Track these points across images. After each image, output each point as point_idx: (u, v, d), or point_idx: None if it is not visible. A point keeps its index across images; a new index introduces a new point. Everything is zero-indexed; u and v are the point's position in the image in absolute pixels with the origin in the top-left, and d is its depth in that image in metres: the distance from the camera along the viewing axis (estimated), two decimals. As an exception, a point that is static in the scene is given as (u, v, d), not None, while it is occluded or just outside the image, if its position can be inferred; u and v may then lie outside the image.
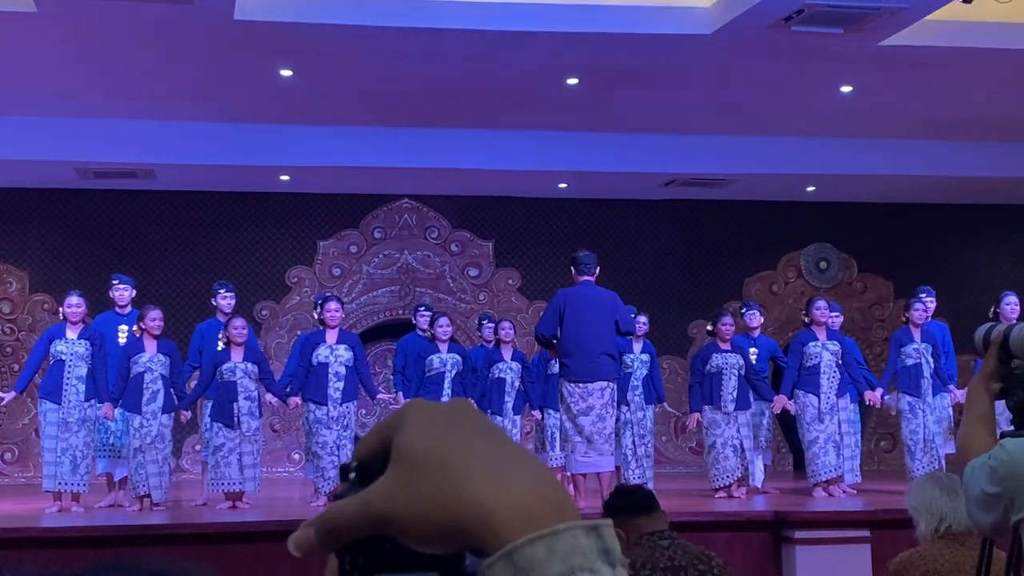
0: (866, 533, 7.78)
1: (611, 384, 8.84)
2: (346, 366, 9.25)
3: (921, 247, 14.88)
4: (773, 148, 12.85)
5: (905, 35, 9.73)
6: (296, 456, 13.65)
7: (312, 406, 9.19)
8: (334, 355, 9.24)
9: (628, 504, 3.94)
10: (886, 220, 14.85)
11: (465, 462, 0.63)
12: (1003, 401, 2.52)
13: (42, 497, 9.24)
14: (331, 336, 9.35)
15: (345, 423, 9.20)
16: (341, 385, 9.20)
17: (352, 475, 0.66)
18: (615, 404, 9.04)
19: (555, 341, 8.89)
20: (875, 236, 14.87)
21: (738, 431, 9.38)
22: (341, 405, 9.18)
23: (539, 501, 0.62)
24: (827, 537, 7.75)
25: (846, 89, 11.22)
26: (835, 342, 9.67)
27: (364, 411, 13.81)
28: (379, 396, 10.07)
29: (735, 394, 9.41)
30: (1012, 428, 2.46)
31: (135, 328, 9.08)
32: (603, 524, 0.62)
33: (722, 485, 9.33)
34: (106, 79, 10.58)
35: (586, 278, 9.00)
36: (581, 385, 8.72)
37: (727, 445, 9.32)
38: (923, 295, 10.23)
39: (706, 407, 9.46)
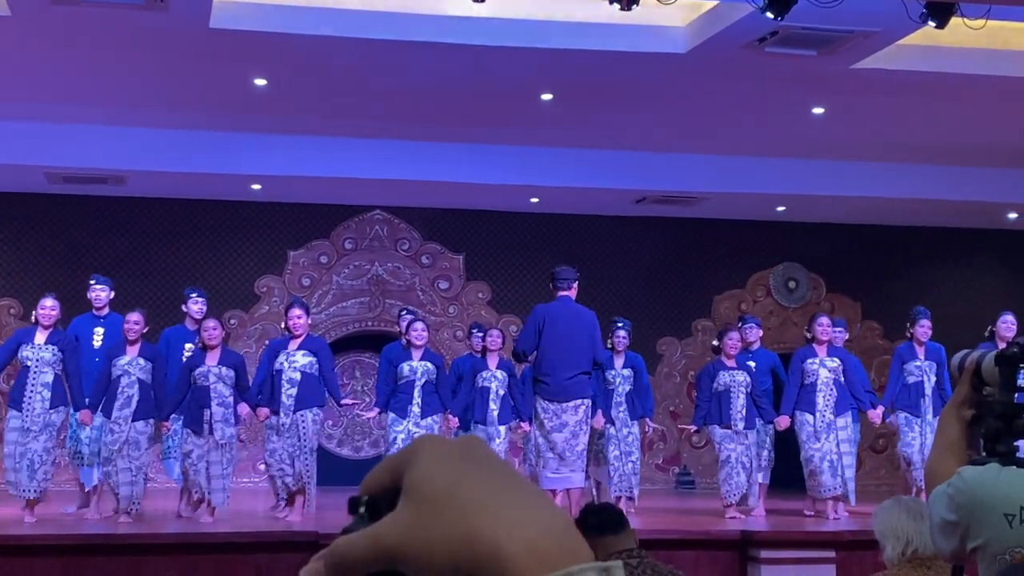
0: (832, 554, 7.83)
1: (586, 401, 8.84)
2: (302, 372, 8.97)
3: (889, 269, 14.99)
4: (744, 167, 12.92)
5: (878, 59, 9.81)
6: (262, 467, 13.55)
7: (270, 414, 9.02)
8: (289, 361, 8.99)
9: (597, 522, 3.93)
10: (855, 241, 14.96)
11: (479, 499, 0.62)
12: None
13: (6, 504, 9.12)
14: (294, 343, 9.12)
15: (300, 432, 8.91)
16: (294, 392, 8.91)
17: (362, 509, 0.66)
18: (589, 421, 9.02)
19: (531, 357, 8.90)
20: (844, 257, 14.97)
21: (747, 449, 9.38)
22: (294, 413, 8.90)
23: (553, 542, 0.61)
24: (793, 557, 7.78)
25: (818, 111, 11.31)
26: (834, 359, 9.59)
27: (331, 422, 13.78)
28: (344, 402, 9.88)
29: (744, 412, 9.40)
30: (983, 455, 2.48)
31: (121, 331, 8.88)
32: (614, 566, 0.61)
33: (733, 502, 9.32)
34: (79, 84, 10.52)
35: (564, 293, 8.99)
36: (555, 403, 8.73)
37: (739, 462, 9.32)
38: (915, 313, 10.08)
39: (715, 426, 9.45)
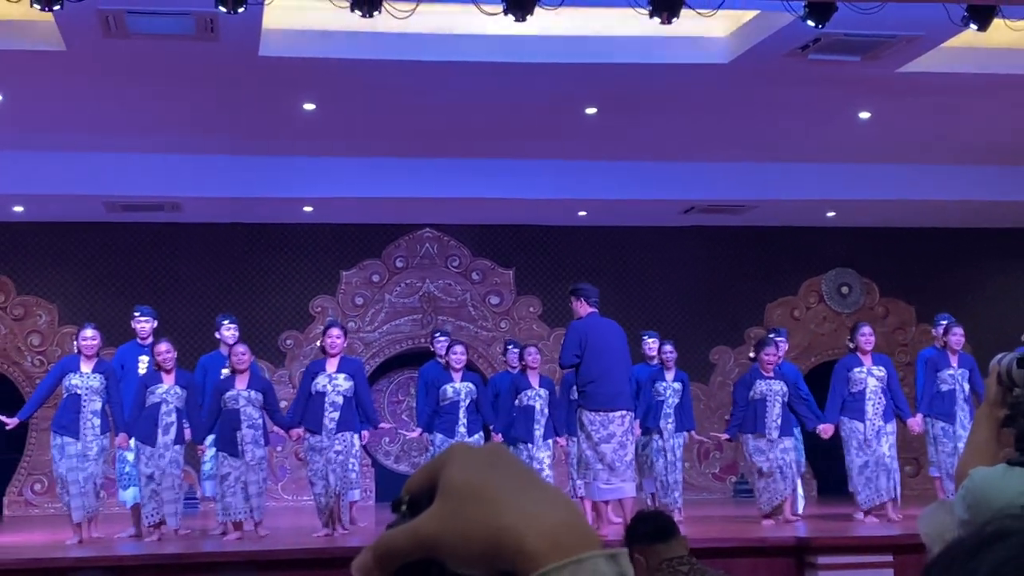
0: (889, 558, 7.80)
1: (629, 413, 8.97)
2: (344, 396, 9.09)
3: (943, 271, 14.89)
4: (793, 174, 12.91)
5: (922, 62, 9.81)
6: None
7: (308, 435, 9.12)
8: (332, 384, 9.09)
9: (648, 530, 3.99)
10: (907, 245, 14.87)
11: (503, 495, 0.73)
12: None
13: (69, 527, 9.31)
14: (331, 364, 9.20)
15: (339, 449, 9.03)
16: (337, 415, 9.03)
17: (404, 507, 0.77)
18: (634, 432, 9.13)
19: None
20: (896, 261, 14.89)
21: (782, 454, 9.40)
22: (336, 434, 9.02)
23: (567, 531, 0.72)
24: (850, 562, 7.77)
25: (864, 115, 11.29)
26: (880, 367, 9.61)
27: (387, 439, 13.91)
28: (382, 426, 9.98)
29: (779, 421, 9.44)
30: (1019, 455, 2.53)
31: (155, 362, 9.18)
32: (620, 552, 0.72)
33: (772, 509, 9.35)
34: (134, 115, 10.75)
35: (593, 310, 9.09)
36: (602, 413, 8.81)
37: (775, 469, 9.34)
38: (947, 322, 10.05)
39: (749, 435, 9.50)
